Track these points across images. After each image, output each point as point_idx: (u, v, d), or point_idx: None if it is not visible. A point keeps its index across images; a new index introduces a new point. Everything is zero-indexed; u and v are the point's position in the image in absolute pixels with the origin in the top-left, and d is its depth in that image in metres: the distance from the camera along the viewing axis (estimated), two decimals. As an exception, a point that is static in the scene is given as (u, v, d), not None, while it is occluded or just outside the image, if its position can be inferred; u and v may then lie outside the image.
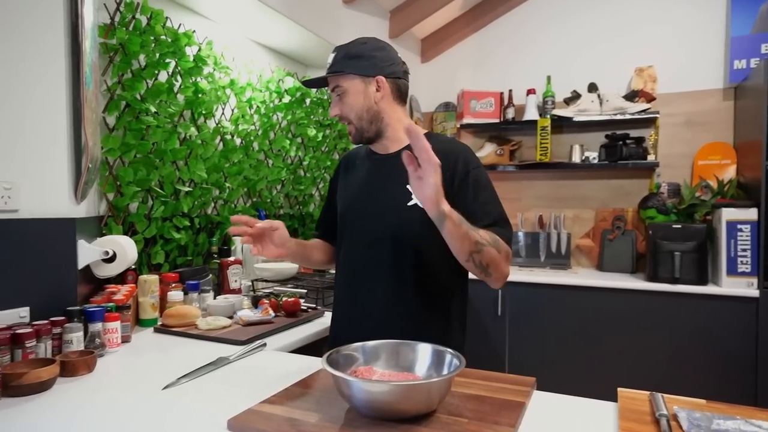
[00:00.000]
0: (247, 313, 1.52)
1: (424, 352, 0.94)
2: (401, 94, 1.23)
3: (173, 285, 1.62)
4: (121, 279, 1.64)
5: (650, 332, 2.37)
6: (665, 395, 0.88)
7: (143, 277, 1.51)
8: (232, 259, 1.86)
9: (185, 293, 1.67)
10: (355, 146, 1.38)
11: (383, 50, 1.20)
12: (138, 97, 1.70)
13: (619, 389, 0.93)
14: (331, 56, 1.20)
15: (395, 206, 1.16)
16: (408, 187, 1.11)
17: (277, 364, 1.16)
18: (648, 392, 0.91)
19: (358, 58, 1.18)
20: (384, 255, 1.17)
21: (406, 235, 1.15)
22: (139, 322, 1.51)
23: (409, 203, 1.14)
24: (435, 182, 0.91)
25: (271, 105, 2.43)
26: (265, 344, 1.27)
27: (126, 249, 1.37)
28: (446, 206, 0.95)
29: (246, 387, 1.00)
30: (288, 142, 2.51)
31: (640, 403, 0.87)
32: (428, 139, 1.15)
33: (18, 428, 0.82)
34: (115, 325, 1.24)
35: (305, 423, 0.79)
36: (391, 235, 1.16)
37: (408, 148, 1.19)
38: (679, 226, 2.41)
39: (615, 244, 2.75)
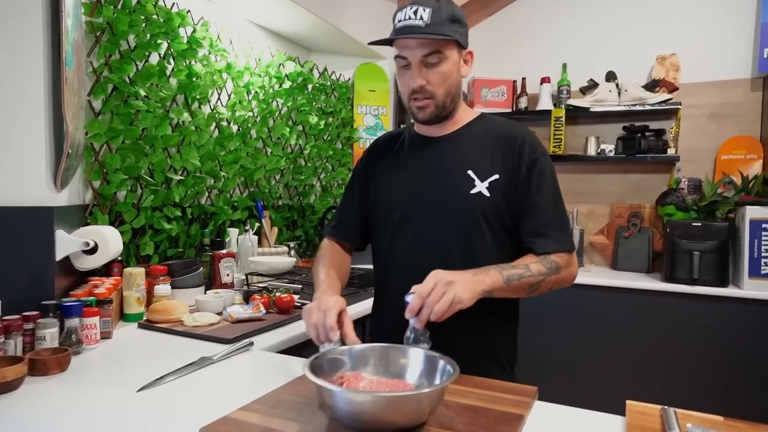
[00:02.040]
0: (237, 310, 1.48)
1: (415, 357, 0.89)
2: None
3: (161, 278, 1.58)
4: (106, 271, 1.60)
5: (665, 336, 2.30)
6: (678, 410, 0.83)
7: (128, 269, 1.47)
8: (224, 252, 1.82)
9: (174, 287, 1.64)
10: (371, 137, 1.33)
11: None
12: (126, 80, 1.66)
13: (627, 402, 0.87)
14: (425, 11, 1.00)
15: (456, 195, 1.07)
16: (470, 172, 1.07)
17: (263, 366, 1.12)
18: (659, 407, 0.85)
19: (458, 23, 1.04)
20: (444, 249, 1.08)
21: (469, 227, 1.07)
22: (124, 317, 1.48)
23: (473, 191, 1.06)
24: (453, 290, 0.89)
25: (271, 91, 2.38)
26: (252, 343, 1.23)
27: (108, 240, 1.33)
28: (484, 284, 0.94)
29: (226, 391, 0.96)
30: (288, 129, 2.46)
31: (650, 419, 0.82)
32: (483, 122, 1.16)
33: (-23, 432, 0.79)
34: (94, 320, 1.21)
35: (282, 434, 0.74)
36: (452, 228, 1.07)
37: (467, 127, 1.13)
38: (699, 224, 2.33)
39: (630, 242, 2.68)
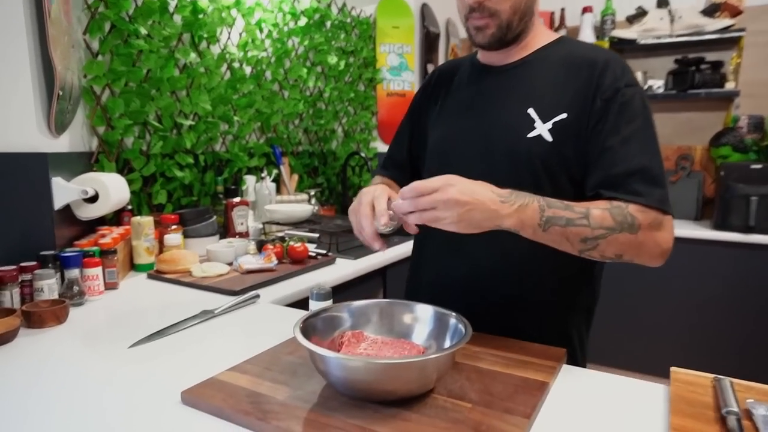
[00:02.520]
0: (248, 260, 1.41)
1: (424, 314, 0.79)
2: None
3: (172, 227, 1.53)
4: (118, 221, 1.56)
5: (716, 290, 2.12)
6: (735, 380, 0.70)
7: (136, 218, 1.41)
8: (237, 200, 1.74)
9: (186, 237, 1.59)
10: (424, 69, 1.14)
11: None
12: (125, 16, 1.54)
13: (672, 370, 0.75)
14: None
15: (508, 140, 0.88)
16: (530, 110, 0.87)
17: (266, 320, 1.05)
18: (711, 376, 0.72)
19: None
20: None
21: (523, 176, 0.86)
22: (135, 267, 1.43)
23: (530, 134, 0.86)
24: (450, 213, 0.71)
25: (285, 29, 2.22)
26: (258, 296, 1.16)
27: (109, 188, 1.26)
28: (503, 221, 0.73)
29: (220, 348, 0.89)
30: (305, 71, 2.31)
31: (699, 390, 0.69)
32: (561, 46, 0.92)
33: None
34: (96, 271, 1.16)
35: (269, 400, 0.66)
36: (503, 177, 0.83)
37: (540, 53, 0.91)
38: (759, 166, 2.10)
39: (678, 187, 2.46)
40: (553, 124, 0.85)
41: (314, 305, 0.85)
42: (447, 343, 0.73)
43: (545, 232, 0.74)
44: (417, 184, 0.72)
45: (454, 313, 0.75)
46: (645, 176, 0.78)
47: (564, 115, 0.84)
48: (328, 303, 0.85)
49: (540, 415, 0.66)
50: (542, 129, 0.85)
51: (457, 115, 0.97)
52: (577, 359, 0.93)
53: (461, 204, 0.70)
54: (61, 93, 1.21)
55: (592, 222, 0.74)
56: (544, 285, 0.90)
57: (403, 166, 1.10)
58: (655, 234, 0.77)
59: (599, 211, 0.75)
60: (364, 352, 0.73)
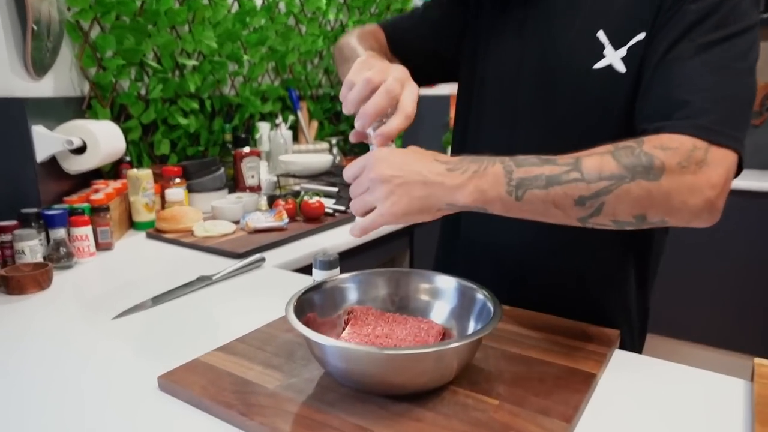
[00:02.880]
0: (257, 218, 1.34)
1: (445, 287, 0.69)
2: None
3: (175, 181, 1.46)
4: (115, 174, 1.50)
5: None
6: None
7: (132, 171, 1.35)
8: (246, 149, 1.65)
9: (191, 191, 1.53)
10: None
11: None
12: (112, -62, 1.43)
13: (756, 362, 0.63)
14: None
15: (569, 72, 0.72)
16: (600, 33, 0.69)
17: (270, 288, 0.98)
18: (809, 370, 0.61)
19: None
20: (547, 147, 0.62)
21: (593, 124, 0.72)
22: (134, 226, 1.39)
23: (598, 64, 0.69)
24: (380, 192, 0.57)
25: (300, -49, 2.06)
26: (263, 259, 1.09)
27: (98, 137, 1.20)
28: (451, 194, 0.57)
29: (212, 321, 0.82)
30: (325, 2, 2.15)
31: (793, 389, 0.58)
32: None
33: None
34: (85, 230, 1.11)
35: (257, 390, 0.59)
36: (559, 117, 0.74)
37: None
38: None
39: (762, 132, 2.23)
40: (629, 49, 0.67)
41: (318, 275, 0.77)
42: (471, 325, 0.64)
43: (520, 201, 0.56)
44: (346, 169, 0.61)
45: (482, 288, 0.65)
46: (707, 103, 0.57)
47: (642, 35, 0.66)
48: (334, 272, 0.76)
49: (582, 418, 0.56)
50: (613, 57, 0.69)
51: (508, 43, 0.79)
52: (634, 337, 0.82)
53: (391, 179, 0.57)
54: (35, 28, 1.12)
55: (586, 173, 0.54)
56: (599, 249, 0.78)
57: (411, 44, 0.91)
58: (691, 177, 0.54)
59: (595, 157, 0.55)
60: (372, 333, 0.64)
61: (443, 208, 0.58)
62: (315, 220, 1.41)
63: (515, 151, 0.60)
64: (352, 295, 0.71)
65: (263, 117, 2.03)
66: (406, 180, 0.57)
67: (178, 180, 1.47)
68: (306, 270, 1.13)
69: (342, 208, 1.50)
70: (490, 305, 0.61)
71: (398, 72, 0.63)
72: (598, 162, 0.55)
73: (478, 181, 0.56)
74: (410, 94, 0.61)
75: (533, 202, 0.56)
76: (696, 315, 2.14)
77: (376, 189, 0.58)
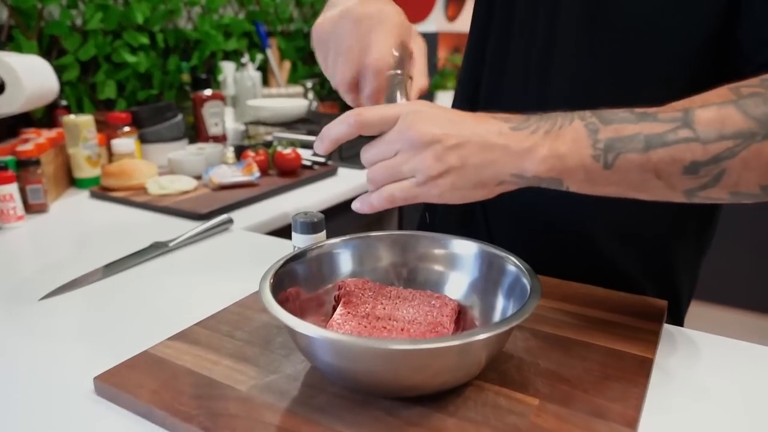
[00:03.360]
0: (223, 172, 1.21)
1: (465, 252, 0.58)
2: None
3: (123, 129, 1.32)
4: (50, 122, 1.35)
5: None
6: None
7: (70, 118, 1.20)
8: (208, 93, 1.50)
9: (144, 141, 1.38)
10: None
11: None
12: None
13: None
14: None
15: None
16: None
17: (239, 254, 0.86)
18: None
19: None
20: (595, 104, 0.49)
21: (652, 56, 0.59)
22: (75, 183, 1.25)
23: None
24: (429, 154, 0.45)
25: None
26: (231, 221, 0.97)
27: (19, 74, 1.04)
28: (531, 158, 0.44)
29: (166, 302, 0.71)
30: None
31: None
32: None
33: None
34: (10, 189, 0.97)
35: (226, 394, 0.48)
36: (615, 58, 0.61)
37: None
38: None
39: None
40: None
41: (299, 240, 0.65)
42: (500, 303, 0.53)
43: (610, 169, 0.44)
44: (366, 116, 0.47)
45: (514, 257, 0.54)
46: None
47: None
48: (319, 237, 0.65)
49: (641, 417, 0.47)
50: None
51: None
52: (681, 309, 0.74)
53: (439, 140, 0.45)
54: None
55: (700, 131, 0.42)
56: (649, 207, 0.68)
57: None
58: None
59: (712, 108, 0.43)
60: (372, 314, 0.54)
61: (507, 180, 0.46)
62: (291, 174, 1.29)
63: (547, 110, 0.47)
64: (346, 265, 0.60)
65: (227, 56, 1.86)
66: (459, 142, 0.45)
67: (126, 128, 1.33)
68: (282, 233, 1.02)
69: (322, 159, 1.37)
70: (525, 281, 0.51)
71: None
72: (716, 114, 0.42)
73: (553, 143, 0.44)
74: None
75: (628, 171, 0.43)
76: (734, 278, 2.11)
77: (415, 153, 0.45)
